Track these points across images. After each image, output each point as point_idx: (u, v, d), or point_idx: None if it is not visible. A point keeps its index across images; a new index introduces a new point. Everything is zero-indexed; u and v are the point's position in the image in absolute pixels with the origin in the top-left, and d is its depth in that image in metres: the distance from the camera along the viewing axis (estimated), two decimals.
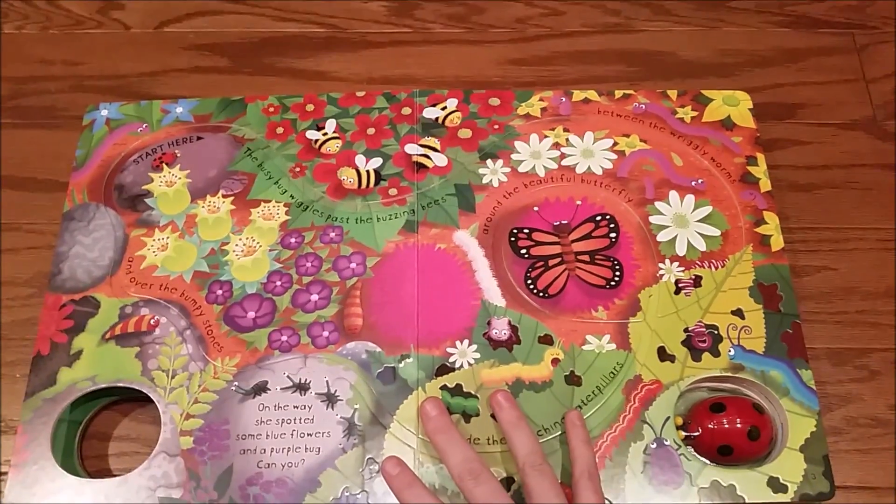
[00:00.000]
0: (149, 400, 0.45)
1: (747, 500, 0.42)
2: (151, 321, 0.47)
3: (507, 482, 0.42)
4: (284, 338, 0.46)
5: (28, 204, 0.54)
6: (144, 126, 0.54)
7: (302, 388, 0.45)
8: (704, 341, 0.46)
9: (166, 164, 0.52)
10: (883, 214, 0.53)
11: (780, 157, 0.55)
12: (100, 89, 0.59)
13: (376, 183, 0.51)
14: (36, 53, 0.60)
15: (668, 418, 0.43)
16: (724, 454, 0.43)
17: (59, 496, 0.42)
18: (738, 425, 0.43)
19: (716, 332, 0.46)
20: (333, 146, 0.53)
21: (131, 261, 0.49)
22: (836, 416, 0.47)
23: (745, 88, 0.55)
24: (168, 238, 0.49)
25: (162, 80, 0.59)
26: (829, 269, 0.51)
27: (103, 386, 0.45)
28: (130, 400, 0.46)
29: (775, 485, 0.42)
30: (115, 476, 0.44)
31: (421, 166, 0.52)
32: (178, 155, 0.53)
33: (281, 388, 0.44)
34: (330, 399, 0.44)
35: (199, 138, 0.53)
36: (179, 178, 0.52)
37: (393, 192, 0.51)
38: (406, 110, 0.54)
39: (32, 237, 0.53)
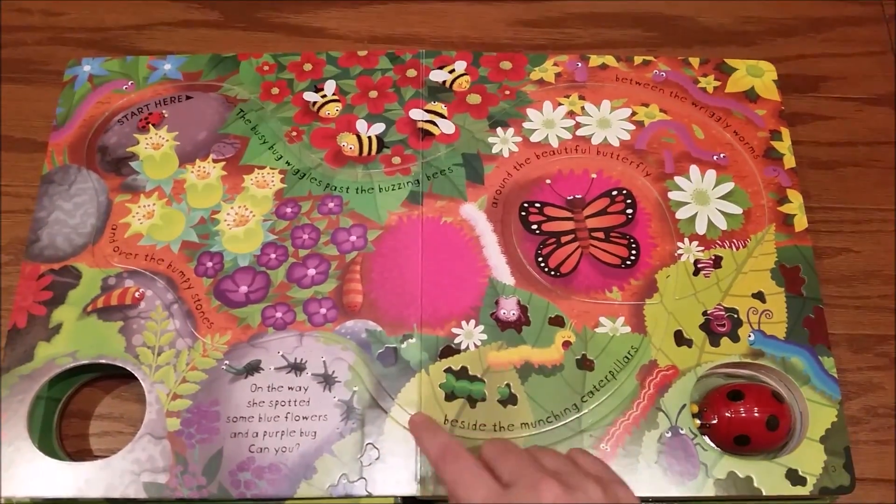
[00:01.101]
0: (132, 376, 0.42)
1: (764, 493, 0.40)
2: (136, 294, 0.44)
3: None
4: (279, 314, 0.43)
5: (4, 164, 0.50)
6: (130, 83, 0.50)
7: (297, 368, 0.42)
8: (723, 325, 0.43)
9: (153, 124, 0.49)
10: None
11: (801, 132, 0.52)
12: (81, 42, 0.55)
13: (378, 150, 0.48)
14: (12, 2, 0.56)
15: (685, 406, 0.41)
16: (741, 444, 0.41)
17: (36, 479, 0.39)
18: (757, 414, 0.41)
19: (735, 315, 0.44)
20: (333, 109, 0.49)
21: (115, 228, 0.45)
22: (854, 406, 0.45)
23: (766, 58, 0.52)
24: (154, 205, 0.46)
25: (148, 34, 0.55)
26: (851, 251, 0.49)
27: (84, 363, 0.42)
28: (113, 376, 0.44)
29: (794, 477, 0.40)
30: (96, 457, 0.41)
31: (426, 133, 0.49)
32: (166, 115, 0.49)
33: (275, 368, 0.42)
34: (327, 380, 0.42)
35: (188, 98, 0.50)
36: (167, 141, 0.48)
37: (396, 160, 0.48)
38: (411, 72, 0.51)
39: (8, 200, 0.49)
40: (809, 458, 0.40)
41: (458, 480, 0.33)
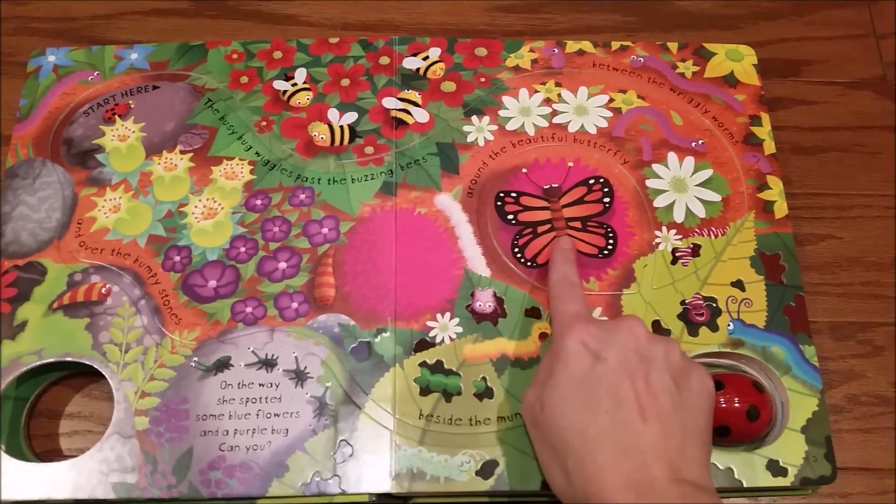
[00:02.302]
0: (102, 374, 0.41)
1: (745, 485, 0.39)
2: (103, 290, 0.43)
3: (493, 465, 0.39)
4: (249, 309, 0.42)
5: None
6: (96, 74, 0.49)
7: (268, 364, 0.41)
8: (702, 315, 0.43)
9: (119, 115, 0.48)
10: (891, 180, 0.50)
11: (783, 117, 0.52)
12: (48, 32, 0.53)
13: (351, 140, 0.47)
14: None
15: None
16: (721, 435, 0.40)
17: (3, 481, 0.38)
18: (737, 405, 0.40)
19: (714, 304, 0.43)
20: (304, 98, 0.48)
21: (80, 223, 0.44)
22: (837, 394, 0.44)
23: (748, 42, 0.51)
24: (121, 198, 0.45)
25: (117, 24, 0.54)
26: (833, 237, 0.49)
27: (50, 361, 0.41)
28: (83, 374, 0.43)
29: (775, 468, 0.39)
30: (66, 457, 0.40)
31: (400, 122, 0.48)
32: (133, 106, 0.48)
33: (245, 365, 0.41)
34: (299, 376, 0.41)
35: (155, 87, 0.48)
36: (133, 132, 0.47)
37: (369, 150, 0.47)
38: (384, 60, 0.49)
39: None
40: (790, 448, 0.40)
41: (562, 297, 0.39)
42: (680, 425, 0.33)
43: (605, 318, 0.38)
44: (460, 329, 0.42)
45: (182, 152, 0.46)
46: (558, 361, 0.35)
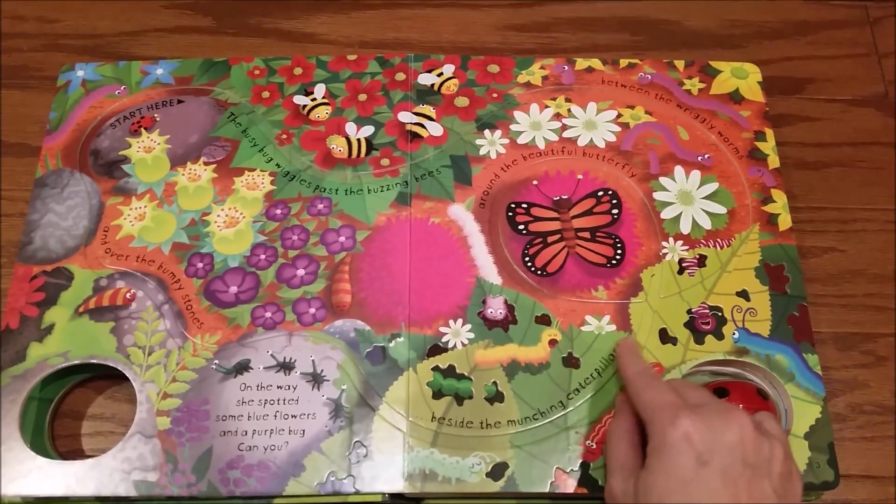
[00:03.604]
0: (125, 377, 0.42)
1: None
2: (127, 295, 0.44)
3: (503, 467, 0.40)
4: (268, 314, 0.44)
5: None
6: (122, 88, 0.51)
7: (286, 367, 0.42)
8: (708, 323, 0.44)
9: (145, 128, 0.49)
10: (892, 195, 0.51)
11: (787, 133, 0.53)
12: (76, 49, 0.55)
13: (367, 152, 0.49)
14: (8, 9, 0.57)
15: None
16: None
17: (27, 478, 0.40)
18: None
19: (720, 314, 0.44)
20: (322, 112, 0.50)
21: (107, 230, 0.46)
22: (840, 403, 0.45)
23: (752, 61, 0.53)
24: (146, 207, 0.47)
25: (142, 40, 0.56)
26: (836, 250, 0.50)
27: (76, 363, 0.42)
28: (105, 377, 0.44)
29: None
30: (88, 457, 0.41)
31: (415, 135, 0.49)
32: (158, 119, 0.50)
33: (264, 368, 0.42)
34: (316, 379, 0.42)
35: (179, 101, 0.50)
36: (158, 144, 0.49)
37: (385, 162, 0.48)
38: (400, 76, 0.51)
39: (3, 204, 0.50)
40: (794, 454, 0.40)
41: (651, 385, 0.38)
42: None
43: (707, 403, 0.36)
44: (472, 335, 0.43)
45: (205, 163, 0.48)
46: (660, 456, 0.34)
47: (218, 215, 0.46)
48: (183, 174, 0.48)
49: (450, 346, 0.43)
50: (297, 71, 0.51)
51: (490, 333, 0.43)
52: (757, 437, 0.34)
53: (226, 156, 0.48)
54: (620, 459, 0.37)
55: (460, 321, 0.44)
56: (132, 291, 0.44)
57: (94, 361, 0.42)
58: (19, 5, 0.57)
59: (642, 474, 0.35)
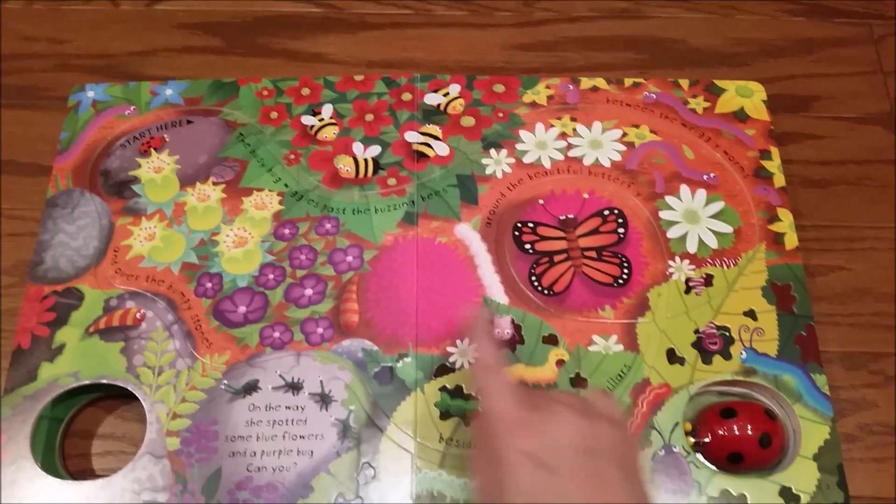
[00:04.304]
0: (135, 396, 0.43)
1: None
2: (137, 315, 0.44)
3: None
4: (277, 334, 0.44)
5: (9, 188, 0.51)
6: (132, 109, 0.51)
7: (294, 387, 0.43)
8: (715, 343, 0.44)
9: (154, 148, 0.50)
10: None
11: (793, 151, 0.53)
12: (86, 69, 0.56)
13: (374, 172, 0.49)
14: (19, 29, 0.58)
15: (678, 424, 0.42)
16: (734, 462, 0.41)
17: (38, 498, 0.40)
18: (749, 432, 0.41)
19: (727, 333, 0.44)
20: (330, 133, 0.50)
21: (117, 251, 0.46)
22: (849, 423, 0.45)
23: (757, 79, 0.53)
24: (156, 227, 0.47)
25: (151, 60, 0.56)
26: (844, 269, 0.50)
27: (86, 383, 0.43)
28: (115, 396, 0.44)
29: (788, 495, 0.40)
30: (98, 476, 0.42)
31: (421, 155, 0.50)
32: (167, 139, 0.50)
33: (272, 388, 0.42)
34: (324, 399, 0.42)
35: (188, 122, 0.51)
36: (168, 164, 0.49)
37: (392, 181, 0.49)
38: (406, 96, 0.52)
39: (14, 223, 0.50)
40: (803, 475, 0.41)
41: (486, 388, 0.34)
42: None
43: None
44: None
45: (214, 184, 0.48)
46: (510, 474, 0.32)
47: (227, 235, 0.47)
48: (192, 194, 0.48)
49: (457, 365, 0.43)
50: (305, 91, 0.52)
51: None
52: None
53: (234, 176, 0.49)
54: None
55: (468, 341, 0.44)
56: (142, 311, 0.44)
57: (105, 381, 0.43)
58: (30, 26, 0.58)
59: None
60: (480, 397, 0.35)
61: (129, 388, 0.42)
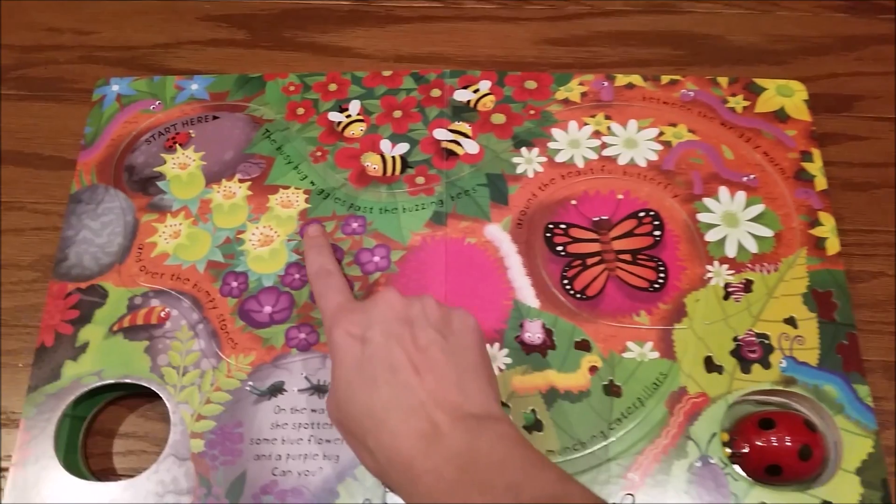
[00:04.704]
0: (157, 395, 0.42)
1: None
2: (162, 313, 0.44)
3: None
4: (303, 335, 0.43)
5: (33, 182, 0.51)
6: (157, 103, 0.51)
7: (320, 389, 0.42)
8: (755, 351, 0.42)
9: (180, 144, 0.49)
10: None
11: (834, 152, 0.51)
12: (110, 61, 0.55)
13: (402, 170, 0.48)
14: (43, 21, 0.57)
15: (715, 434, 0.40)
16: (772, 474, 0.40)
17: (61, 498, 0.40)
18: (789, 443, 0.40)
19: (766, 341, 0.43)
20: (357, 129, 0.49)
21: (141, 248, 0.46)
22: (893, 436, 0.44)
23: (797, 77, 0.51)
24: (181, 224, 0.46)
25: (176, 53, 0.56)
26: (886, 275, 0.48)
27: (110, 382, 0.42)
28: (138, 394, 0.44)
29: None
30: (120, 476, 0.41)
31: (450, 153, 0.48)
32: (193, 135, 0.49)
33: (298, 390, 0.42)
34: None
35: (214, 118, 0.50)
36: (193, 161, 0.48)
37: (420, 180, 0.47)
38: (435, 92, 0.50)
39: (37, 217, 0.50)
40: (845, 490, 0.39)
41: (322, 293, 0.40)
42: (453, 367, 0.34)
43: (365, 301, 0.38)
44: (509, 360, 0.42)
45: (240, 181, 0.48)
46: (334, 360, 0.36)
47: (252, 233, 0.46)
48: (218, 191, 0.47)
49: None
50: (332, 87, 0.51)
51: (528, 358, 0.42)
52: (405, 300, 0.37)
53: (260, 173, 0.48)
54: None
55: (497, 345, 0.43)
56: (166, 310, 0.44)
57: (128, 381, 0.42)
58: (56, 17, 0.57)
59: (333, 383, 0.36)
60: (317, 301, 0.40)
61: (154, 388, 0.42)
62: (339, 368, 0.35)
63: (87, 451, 0.43)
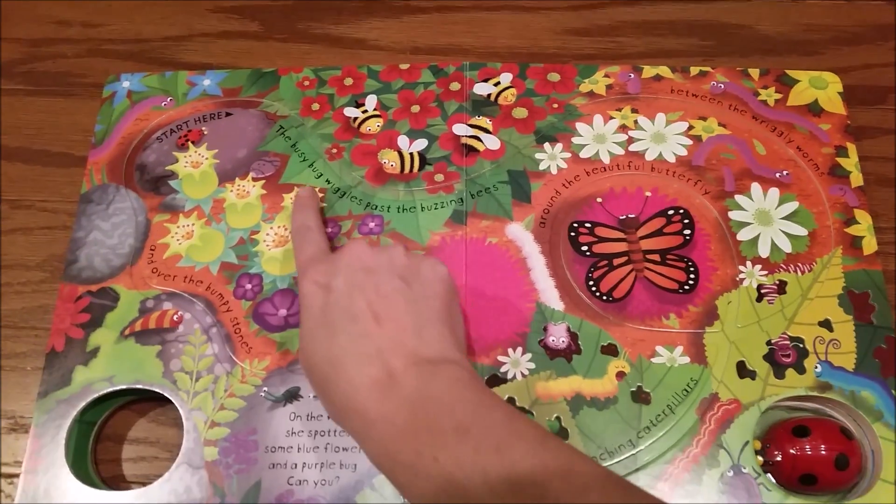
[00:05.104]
0: (168, 399, 0.41)
1: None
2: (175, 317, 0.42)
3: None
4: None
5: (41, 179, 0.49)
6: (169, 100, 0.49)
7: None
8: (789, 356, 0.41)
9: (192, 142, 0.48)
10: None
11: (868, 147, 0.49)
12: (120, 54, 0.54)
13: (421, 167, 0.46)
14: (51, 14, 0.56)
15: (747, 443, 0.39)
16: (806, 484, 0.38)
17: None
18: (824, 452, 0.38)
19: (801, 345, 0.41)
20: (374, 125, 0.48)
21: (153, 249, 0.44)
22: None
23: (830, 69, 0.49)
24: (193, 225, 0.45)
25: (187, 46, 0.54)
26: None
27: (121, 387, 0.41)
28: (149, 399, 0.42)
29: None
30: (131, 484, 0.40)
31: (471, 149, 0.47)
32: (206, 132, 0.48)
33: (314, 396, 0.40)
34: None
35: (227, 114, 0.48)
36: (206, 159, 0.47)
37: (439, 178, 0.46)
38: (455, 85, 0.49)
39: (46, 216, 0.48)
40: (884, 501, 0.38)
41: (298, 246, 0.40)
42: (414, 314, 0.34)
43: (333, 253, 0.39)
44: (533, 365, 0.41)
45: (254, 179, 0.46)
46: (301, 309, 0.36)
47: (267, 234, 0.44)
48: (231, 190, 0.46)
49: (509, 376, 0.40)
50: (348, 81, 0.49)
51: (552, 364, 0.41)
52: (372, 249, 0.37)
53: (275, 171, 0.46)
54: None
55: (520, 350, 0.41)
56: (179, 313, 0.42)
57: (140, 387, 0.41)
58: (64, 9, 0.56)
59: (299, 337, 0.36)
60: (294, 257, 0.40)
61: (166, 395, 0.41)
62: (305, 317, 0.36)
63: (96, 458, 0.42)
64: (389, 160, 0.46)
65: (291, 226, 0.43)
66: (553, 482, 0.29)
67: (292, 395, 0.40)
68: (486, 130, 0.47)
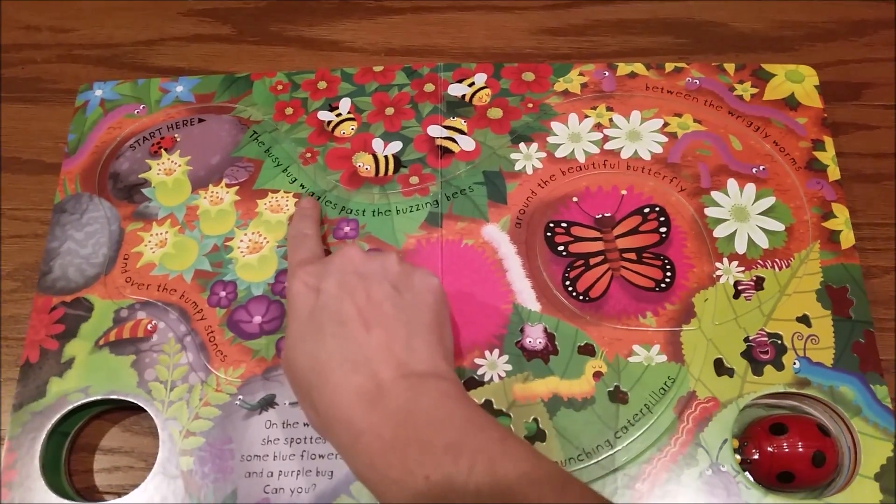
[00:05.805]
0: (142, 408, 0.40)
1: None
2: (149, 326, 0.42)
3: None
4: None
5: (11, 188, 0.49)
6: (142, 107, 0.49)
7: None
8: (767, 352, 0.41)
9: (165, 149, 0.47)
10: None
11: (844, 142, 0.49)
12: (91, 59, 0.53)
13: (395, 170, 0.46)
14: (20, 18, 0.55)
15: (726, 441, 0.39)
16: (784, 481, 0.38)
17: None
18: (801, 449, 0.38)
19: (779, 341, 0.41)
20: (348, 129, 0.47)
21: (127, 258, 0.44)
22: None
23: (805, 64, 0.49)
24: (167, 233, 0.45)
25: (159, 50, 0.54)
26: None
27: (96, 398, 0.40)
28: (122, 407, 0.42)
29: None
30: (106, 495, 0.39)
31: (446, 151, 0.46)
32: (178, 139, 0.47)
33: (290, 404, 0.40)
34: None
35: (200, 120, 0.48)
36: (179, 166, 0.47)
37: (414, 180, 0.45)
38: (429, 87, 0.48)
39: (17, 224, 0.48)
40: (863, 496, 0.38)
41: (292, 251, 0.40)
42: (404, 324, 0.34)
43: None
44: (510, 367, 0.41)
45: (228, 186, 0.46)
46: (289, 310, 0.36)
47: (241, 240, 0.44)
48: (205, 197, 0.45)
49: (486, 379, 0.40)
50: (322, 85, 0.49)
51: (529, 365, 0.41)
52: (366, 254, 0.37)
53: (248, 177, 0.46)
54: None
55: (497, 351, 0.41)
56: (153, 323, 0.42)
57: (115, 397, 0.40)
58: (33, 14, 0.55)
59: (284, 339, 0.36)
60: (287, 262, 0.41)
61: (141, 404, 0.40)
62: (292, 318, 0.35)
63: (70, 469, 0.42)
64: (364, 163, 0.46)
65: (288, 232, 0.42)
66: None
67: (268, 403, 0.40)
68: (460, 132, 0.47)
